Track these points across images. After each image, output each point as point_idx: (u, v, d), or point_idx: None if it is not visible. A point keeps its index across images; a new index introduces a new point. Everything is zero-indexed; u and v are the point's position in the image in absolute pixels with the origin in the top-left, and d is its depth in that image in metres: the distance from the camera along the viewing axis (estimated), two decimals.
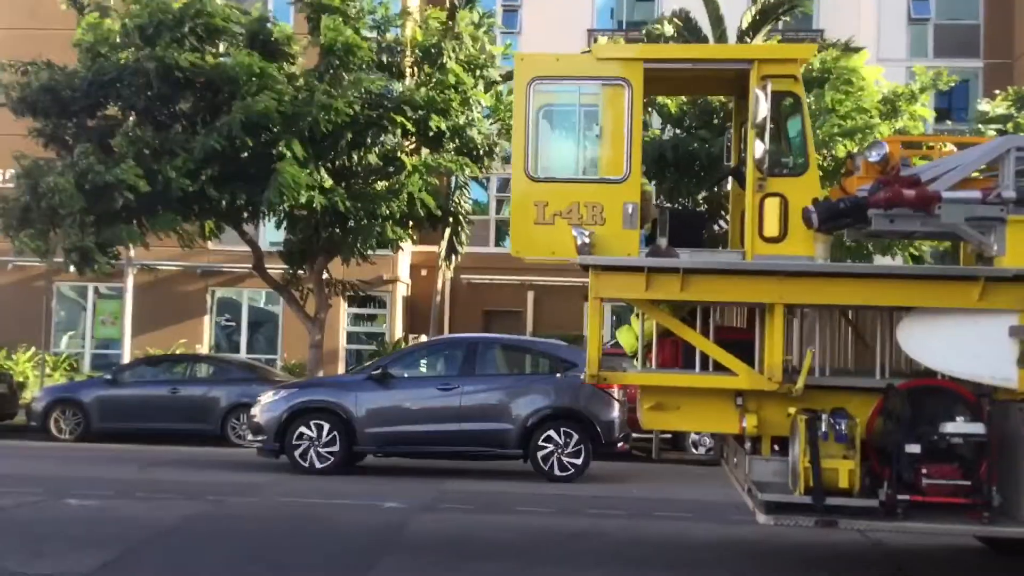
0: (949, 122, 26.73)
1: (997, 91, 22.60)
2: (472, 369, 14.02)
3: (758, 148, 7.20)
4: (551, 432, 13.39)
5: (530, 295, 28.66)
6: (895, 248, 16.31)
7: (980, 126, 21.01)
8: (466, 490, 12.39)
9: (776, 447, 7.40)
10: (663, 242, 7.52)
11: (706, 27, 21.72)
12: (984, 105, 22.20)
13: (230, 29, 17.87)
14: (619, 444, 14.03)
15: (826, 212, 7.14)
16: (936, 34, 29.83)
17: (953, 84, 19.63)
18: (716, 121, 18.79)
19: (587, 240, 7.33)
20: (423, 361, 15.26)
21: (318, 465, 13.29)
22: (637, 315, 7.78)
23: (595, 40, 27.35)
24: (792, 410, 6.88)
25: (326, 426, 13.37)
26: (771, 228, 7.37)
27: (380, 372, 13.77)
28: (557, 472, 13.28)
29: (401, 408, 13.59)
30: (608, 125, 7.60)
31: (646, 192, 7.90)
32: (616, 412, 13.76)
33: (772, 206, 7.37)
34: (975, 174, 7.37)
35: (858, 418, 6.80)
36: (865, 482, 6.74)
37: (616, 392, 13.72)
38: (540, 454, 13.34)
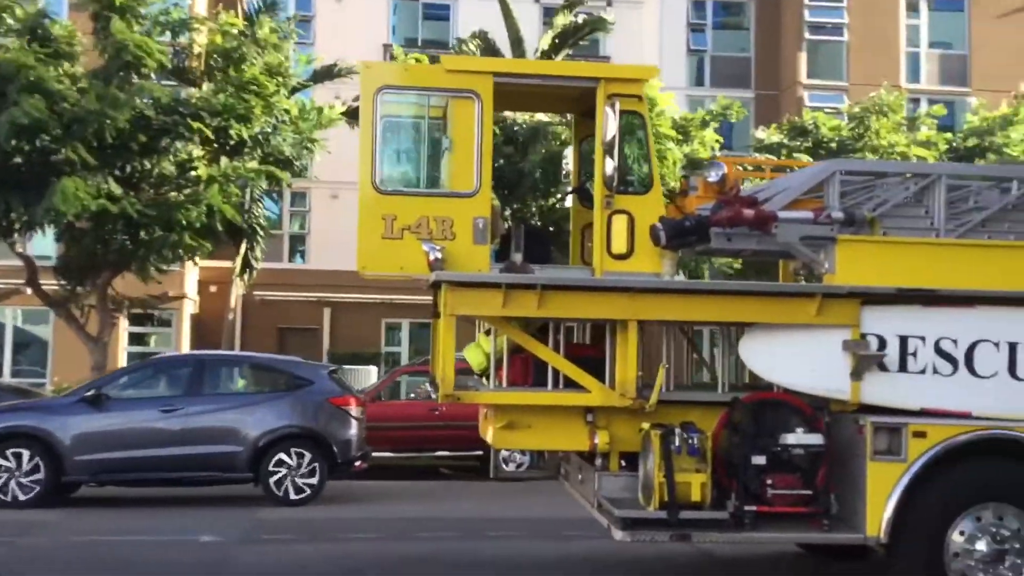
0: (726, 149, 28.39)
1: (773, 123, 24.21)
2: (200, 388, 13.22)
3: (608, 166, 7.25)
4: (282, 455, 12.77)
5: (326, 312, 28.02)
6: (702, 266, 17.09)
7: (755, 153, 22.43)
8: (284, 517, 11.80)
9: (623, 463, 7.45)
10: (518, 258, 7.43)
11: (505, 48, 22.05)
12: (760, 133, 23.72)
13: (4, 21, 16.43)
14: (356, 463, 13.61)
15: (673, 230, 7.28)
16: (712, 65, 31.65)
17: (744, 116, 20.83)
18: (520, 140, 19.05)
19: (439, 255, 7.14)
20: (146, 381, 13.95)
21: (21, 497, 12.16)
22: (487, 332, 7.64)
23: (391, 56, 27.18)
24: (646, 425, 6.93)
25: (26, 454, 12.29)
26: (619, 245, 7.43)
27: (93, 394, 12.77)
28: (292, 495, 12.68)
29: (117, 432, 12.56)
30: (457, 138, 7.44)
31: (494, 207, 7.80)
32: (354, 430, 13.37)
33: (620, 223, 7.44)
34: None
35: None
36: (713, 495, 6.88)
37: (354, 410, 13.42)
38: (273, 478, 12.69)
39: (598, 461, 7.36)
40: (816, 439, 6.90)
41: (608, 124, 7.22)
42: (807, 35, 30.52)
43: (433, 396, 9.13)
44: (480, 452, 16.81)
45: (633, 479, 7.28)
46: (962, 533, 6.90)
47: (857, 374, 7.04)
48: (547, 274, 7.34)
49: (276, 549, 9.90)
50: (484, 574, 8.82)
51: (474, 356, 7.69)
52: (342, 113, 20.23)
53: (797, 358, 7.13)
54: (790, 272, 8.68)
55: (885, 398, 7.04)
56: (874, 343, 7.05)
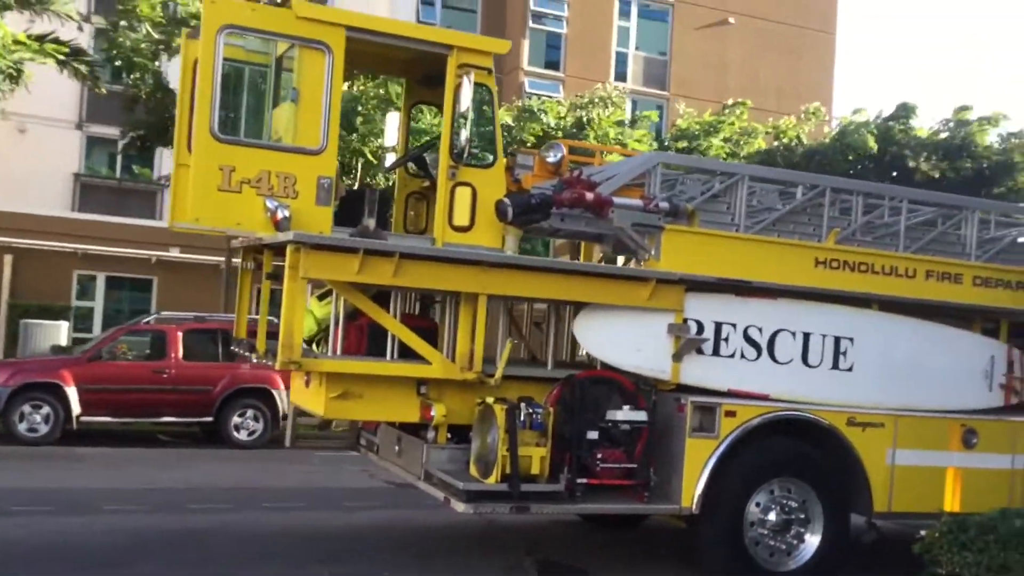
0: None
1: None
2: None
3: (460, 136, 7.20)
4: None
5: (7, 259, 25.22)
6: None
7: None
8: (28, 487, 10.67)
9: (450, 435, 7.45)
10: (371, 223, 7.16)
11: None
12: None
13: None
14: None
15: (520, 206, 7.36)
16: None
17: None
18: None
19: (287, 214, 6.76)
20: None
21: None
22: (320, 298, 7.34)
23: None
24: (490, 399, 6.98)
25: None
26: (461, 217, 7.40)
27: None
28: None
29: None
30: (305, 91, 7.04)
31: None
32: None
33: (463, 195, 7.40)
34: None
35: None
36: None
37: None
38: None
39: (430, 434, 7.32)
40: (641, 416, 7.31)
41: (463, 94, 7.16)
42: (531, 23, 31.61)
43: (253, 359, 8.56)
44: (210, 419, 16.11)
45: (461, 451, 7.34)
46: (758, 504, 7.62)
47: (678, 356, 7.52)
48: (406, 243, 7.16)
49: (38, 520, 8.93)
50: (285, 544, 8.47)
51: (306, 322, 7.35)
52: (34, 39, 18.17)
53: (626, 338, 7.48)
54: (596, 257, 9.07)
55: (699, 379, 7.58)
56: (694, 328, 7.57)
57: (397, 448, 7.93)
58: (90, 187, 29.48)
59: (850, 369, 7.95)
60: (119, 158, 28.24)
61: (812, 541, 7.72)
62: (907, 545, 7.24)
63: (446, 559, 8.30)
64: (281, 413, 16.64)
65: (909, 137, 22.04)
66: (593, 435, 7.16)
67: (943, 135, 22.58)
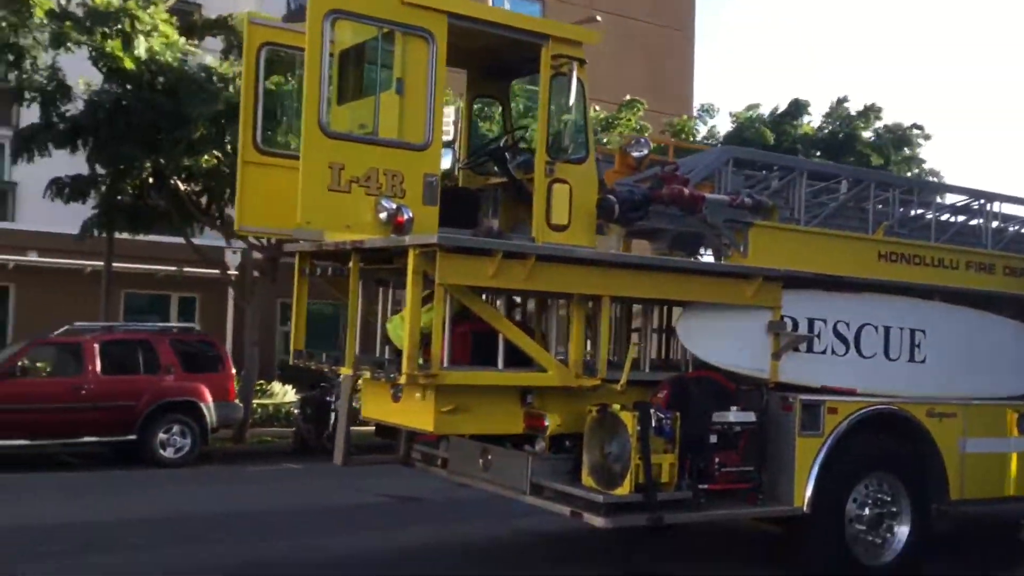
0: None
1: None
2: None
3: (565, 132, 6.82)
4: None
5: None
6: None
7: None
8: None
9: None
10: (495, 223, 6.65)
11: None
12: None
13: None
14: None
15: (626, 204, 7.04)
16: None
17: None
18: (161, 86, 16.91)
19: (411, 215, 6.20)
20: None
21: None
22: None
23: None
24: (616, 406, 6.61)
25: None
26: (560, 215, 6.97)
27: None
28: None
29: None
30: (409, 82, 6.48)
31: None
32: None
33: (561, 193, 6.98)
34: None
35: None
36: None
37: None
38: None
39: (538, 444, 6.90)
40: (751, 416, 7.13)
41: (571, 87, 6.79)
42: None
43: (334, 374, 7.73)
44: (133, 436, 14.90)
45: (562, 462, 6.97)
46: (854, 500, 7.58)
47: (778, 354, 7.40)
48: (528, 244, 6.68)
49: None
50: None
51: (403, 331, 6.75)
52: None
53: (730, 338, 7.30)
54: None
55: (796, 376, 7.48)
56: (790, 324, 7.46)
57: (482, 461, 7.43)
58: None
59: (923, 361, 8.05)
60: None
61: (901, 533, 7.75)
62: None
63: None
64: (210, 427, 15.65)
65: (799, 133, 22.91)
66: (713, 439, 6.93)
67: (826, 130, 23.61)
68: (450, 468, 7.88)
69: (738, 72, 64.07)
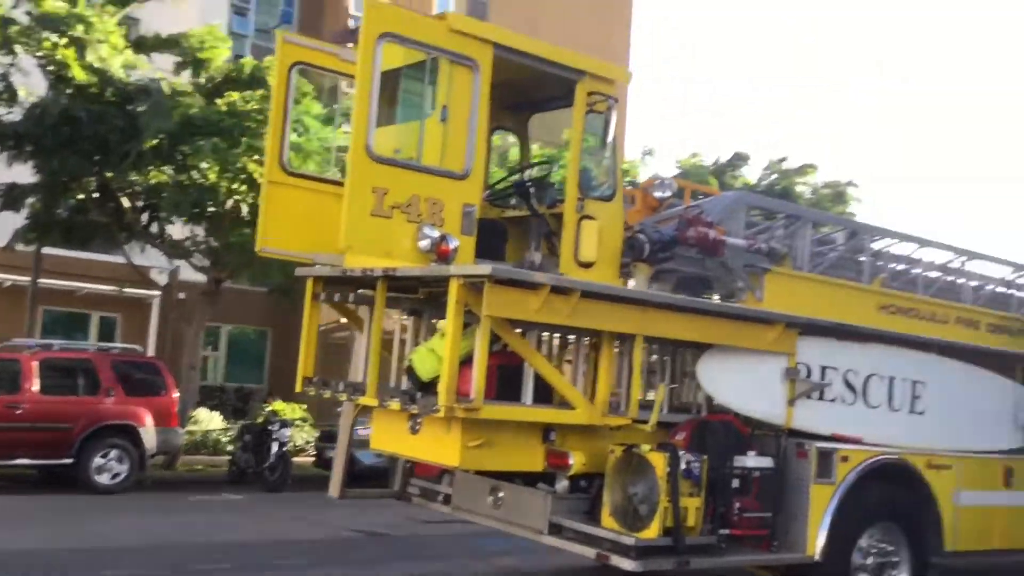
0: None
1: None
2: None
3: (601, 169, 6.77)
4: None
5: None
6: None
7: None
8: None
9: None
10: (538, 257, 6.51)
11: None
12: None
13: None
14: None
15: (656, 243, 7.00)
16: (254, 52, 30.21)
17: None
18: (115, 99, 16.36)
19: (456, 244, 6.04)
20: None
21: None
22: (444, 336, 6.58)
23: None
24: (646, 447, 6.51)
25: None
26: (588, 252, 6.89)
27: None
28: None
29: None
30: (453, 110, 6.35)
31: None
32: None
33: (590, 229, 6.91)
34: None
35: None
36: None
37: None
38: None
39: (561, 483, 6.75)
40: (768, 462, 7.12)
41: (609, 125, 6.76)
42: None
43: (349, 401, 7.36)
44: (70, 460, 14.20)
45: (580, 501, 6.84)
46: (859, 549, 7.60)
47: (793, 400, 7.41)
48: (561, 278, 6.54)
49: None
50: None
51: (430, 363, 6.55)
52: None
53: (750, 382, 7.29)
54: None
55: (807, 423, 7.50)
56: (803, 371, 7.50)
57: (491, 499, 7.23)
58: None
59: (922, 412, 8.17)
60: None
61: None
62: None
63: None
64: (148, 453, 15.04)
65: (741, 184, 23.41)
66: (736, 483, 6.89)
67: (765, 183, 24.18)
68: (454, 504, 7.65)
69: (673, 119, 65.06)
